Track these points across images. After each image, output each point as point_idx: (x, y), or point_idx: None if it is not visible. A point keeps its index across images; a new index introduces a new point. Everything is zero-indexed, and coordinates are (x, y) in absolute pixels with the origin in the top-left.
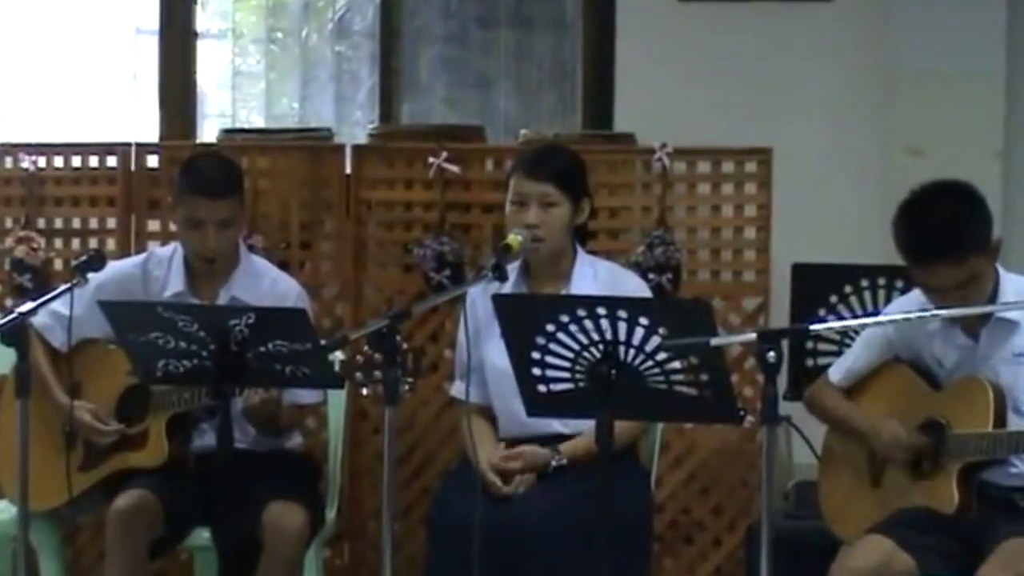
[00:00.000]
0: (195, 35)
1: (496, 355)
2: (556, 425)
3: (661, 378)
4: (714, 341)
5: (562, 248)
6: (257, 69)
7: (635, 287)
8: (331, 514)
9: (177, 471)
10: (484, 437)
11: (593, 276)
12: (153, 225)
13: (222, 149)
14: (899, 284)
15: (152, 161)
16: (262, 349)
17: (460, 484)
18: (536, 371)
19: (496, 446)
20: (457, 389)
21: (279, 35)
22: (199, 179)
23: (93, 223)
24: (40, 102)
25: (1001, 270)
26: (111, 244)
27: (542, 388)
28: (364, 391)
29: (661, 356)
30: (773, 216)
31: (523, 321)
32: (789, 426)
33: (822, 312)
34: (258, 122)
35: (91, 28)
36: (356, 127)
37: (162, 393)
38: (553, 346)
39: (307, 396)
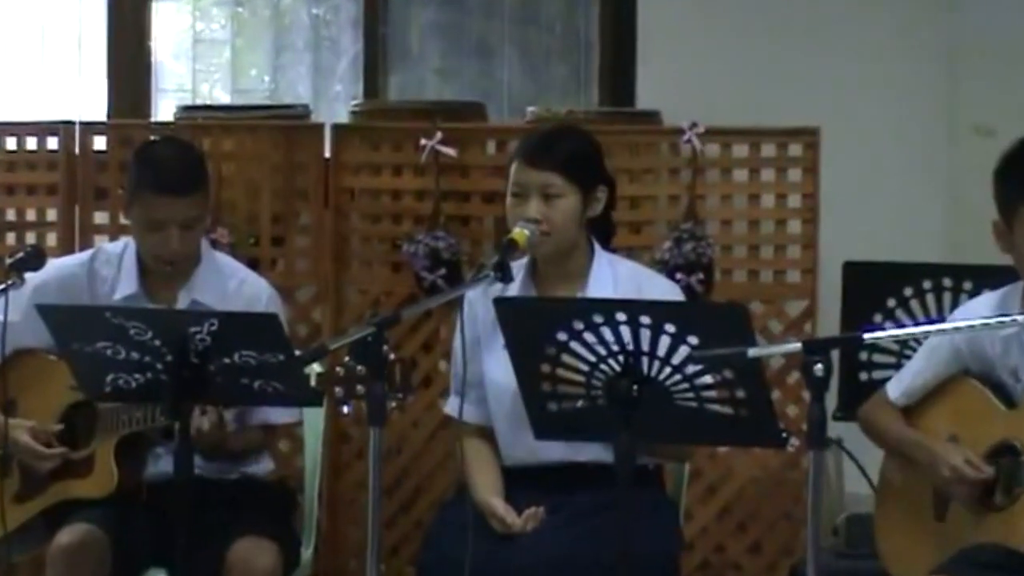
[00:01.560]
0: None
1: (498, 368)
2: (568, 450)
3: (691, 395)
4: (752, 352)
5: (572, 244)
6: (221, 36)
7: (663, 290)
8: (307, 553)
9: (128, 502)
10: (483, 463)
11: (613, 277)
12: (100, 217)
13: (180, 129)
14: (967, 286)
15: (99, 143)
16: (227, 360)
17: (456, 518)
18: (545, 387)
19: (498, 474)
20: (452, 406)
21: None
22: (158, 173)
23: (30, 215)
24: None
25: None
26: (52, 239)
27: (552, 406)
28: (345, 409)
29: (691, 369)
30: (821, 207)
31: (530, 329)
32: (839, 450)
33: (878, 318)
34: (222, 98)
35: None
36: (336, 103)
37: (111, 412)
38: (565, 358)
39: (279, 415)
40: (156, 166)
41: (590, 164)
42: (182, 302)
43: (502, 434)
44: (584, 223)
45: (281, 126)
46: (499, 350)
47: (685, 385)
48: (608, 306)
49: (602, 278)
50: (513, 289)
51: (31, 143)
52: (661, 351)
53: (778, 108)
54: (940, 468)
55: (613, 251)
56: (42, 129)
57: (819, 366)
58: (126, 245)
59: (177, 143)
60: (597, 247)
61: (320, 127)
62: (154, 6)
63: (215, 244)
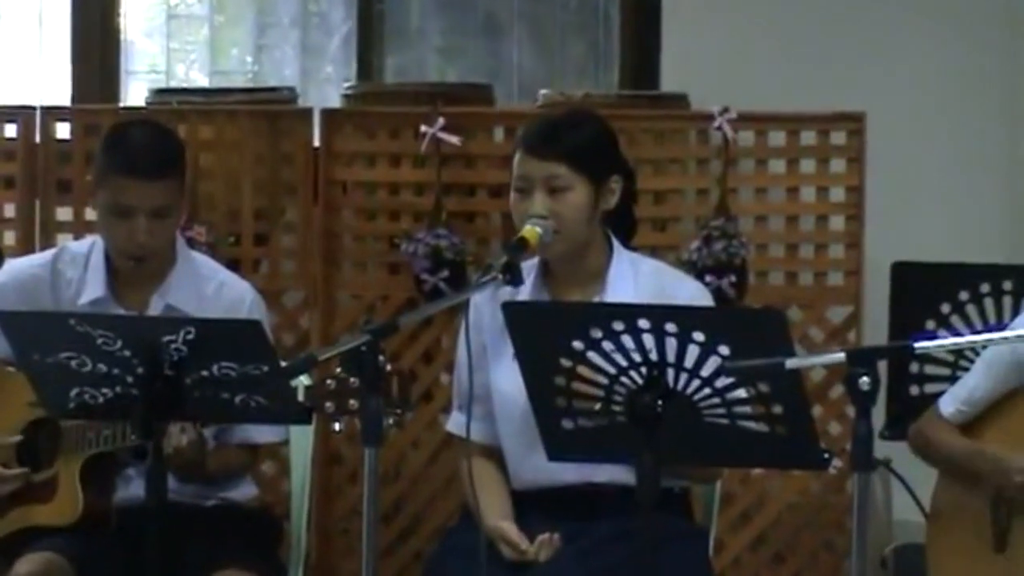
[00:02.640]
0: None
1: (507, 379)
2: (584, 472)
3: (721, 411)
4: (790, 363)
5: (586, 242)
6: (199, 12)
7: (690, 293)
8: None
9: (95, 530)
10: (490, 484)
11: (634, 278)
12: (64, 213)
13: (153, 115)
14: None
15: (62, 131)
16: (205, 373)
17: (462, 544)
18: (560, 402)
19: (507, 497)
20: (455, 423)
21: None
22: (127, 155)
23: None
24: None
25: None
26: (9, 237)
27: (567, 424)
28: (337, 427)
29: (721, 382)
30: (867, 201)
31: (543, 337)
32: (887, 473)
33: (931, 325)
34: (199, 80)
35: None
36: (326, 86)
37: (76, 430)
38: (582, 369)
39: (263, 434)
40: (124, 147)
41: (600, 151)
42: (155, 307)
43: (511, 453)
44: (599, 218)
45: (265, 112)
46: (508, 359)
47: (715, 400)
48: (629, 312)
49: (622, 279)
50: (524, 293)
51: None
52: (688, 362)
53: (819, 91)
54: (1012, 475)
55: (635, 250)
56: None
57: (865, 379)
58: (93, 244)
59: (152, 125)
60: (616, 245)
61: (308, 113)
62: None
63: (192, 243)
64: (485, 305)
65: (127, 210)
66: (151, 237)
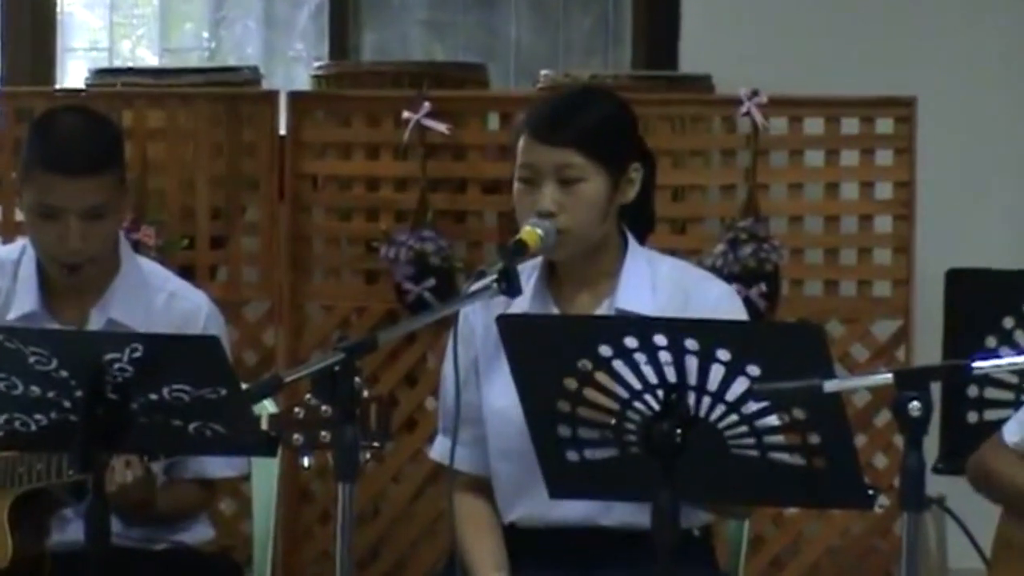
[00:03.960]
0: None
1: (502, 395)
2: (592, 511)
3: (750, 441)
4: (829, 385)
5: (599, 242)
6: None
7: (717, 298)
8: None
9: None
10: (480, 526)
11: (651, 280)
12: None
13: (93, 98)
14: None
15: None
16: (154, 397)
17: None
18: (563, 431)
19: (499, 541)
20: (439, 450)
21: None
22: (52, 148)
23: None
24: None
25: None
26: None
27: (572, 455)
28: (306, 460)
29: (750, 408)
30: (918, 199)
31: (544, 355)
32: (941, 512)
33: (991, 342)
34: (148, 59)
35: None
36: (295, 65)
37: (4, 463)
38: (589, 393)
39: (221, 467)
40: (52, 138)
41: (619, 135)
42: (96, 322)
43: (506, 480)
44: (615, 211)
45: (223, 95)
46: (504, 374)
47: (743, 428)
48: (644, 326)
49: (637, 281)
50: (523, 299)
51: None
52: (712, 384)
53: (862, 72)
54: None
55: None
56: None
57: (915, 404)
58: (23, 249)
59: (85, 113)
60: (632, 241)
61: (274, 96)
62: None
63: (138, 247)
64: (477, 315)
65: (55, 211)
66: (85, 241)
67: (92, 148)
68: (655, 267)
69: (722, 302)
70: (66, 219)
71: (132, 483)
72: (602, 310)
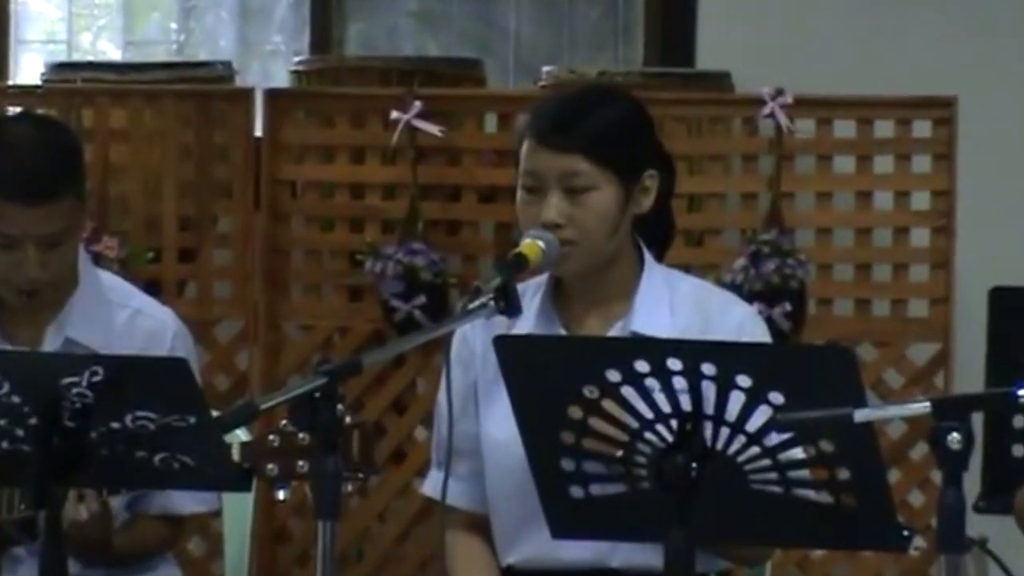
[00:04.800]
0: None
1: (502, 424)
2: (598, 551)
3: (773, 476)
4: (860, 415)
5: (610, 257)
6: None
7: (739, 321)
8: None
9: None
10: (475, 568)
11: (670, 300)
12: None
13: (50, 96)
14: None
15: None
16: (115, 425)
17: None
18: (567, 464)
19: None
20: (432, 485)
21: None
22: (6, 171)
23: None
24: None
25: None
26: None
27: (576, 491)
28: (281, 494)
29: (773, 440)
30: (958, 210)
31: (546, 381)
32: (984, 555)
33: None
34: (111, 53)
35: None
36: (272, 60)
37: None
38: (595, 422)
39: (189, 502)
40: (3, 159)
41: (632, 140)
42: (51, 342)
43: (505, 518)
44: (629, 223)
45: (193, 92)
46: (504, 401)
47: (765, 462)
48: (657, 349)
49: (654, 302)
50: (526, 319)
51: None
52: (731, 414)
53: (896, 70)
54: None
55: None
56: None
57: (955, 435)
58: None
59: (37, 123)
60: (648, 258)
61: (249, 94)
62: None
63: (99, 260)
64: (477, 335)
65: (10, 240)
66: (44, 269)
67: (49, 170)
68: (674, 286)
69: (745, 326)
70: (23, 247)
71: (86, 520)
72: (614, 333)
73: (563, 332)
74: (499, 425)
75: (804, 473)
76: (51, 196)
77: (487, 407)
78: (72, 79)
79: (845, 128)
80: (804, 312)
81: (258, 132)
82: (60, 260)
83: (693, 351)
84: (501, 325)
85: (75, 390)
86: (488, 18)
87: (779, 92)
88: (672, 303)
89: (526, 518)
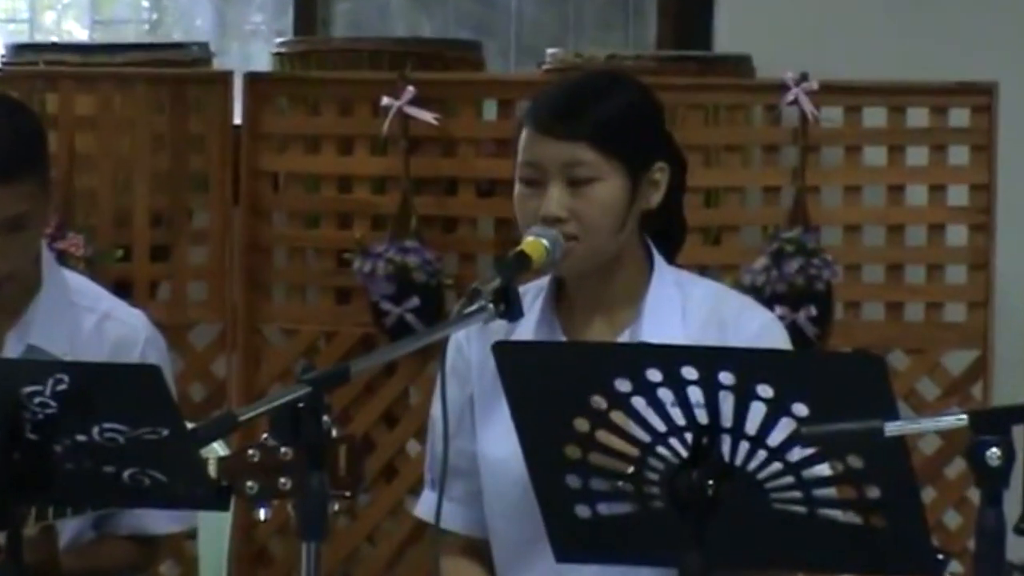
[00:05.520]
0: None
1: (501, 441)
2: None
3: (796, 494)
4: (891, 428)
5: (617, 255)
6: None
7: (759, 332)
8: None
9: None
10: None
11: (682, 306)
12: None
13: (11, 79)
14: None
15: None
16: (82, 438)
17: None
18: (572, 481)
19: None
20: (425, 507)
21: None
22: None
23: None
24: None
25: None
26: None
27: (582, 511)
28: (262, 513)
29: (797, 455)
30: (998, 206)
31: (549, 391)
32: None
33: None
34: (77, 33)
35: None
36: (252, 42)
37: None
38: (603, 436)
39: (162, 522)
40: None
41: (641, 129)
42: (12, 349)
43: (505, 544)
44: (636, 221)
45: (167, 76)
46: (503, 416)
47: (788, 479)
48: (670, 356)
49: (664, 308)
50: (526, 326)
51: None
52: (751, 427)
53: (930, 56)
54: None
55: (681, 266)
56: None
57: (995, 450)
58: None
59: None
60: (657, 259)
61: (227, 78)
62: None
63: (64, 259)
64: (472, 344)
65: None
66: (3, 258)
67: (8, 149)
68: (686, 291)
69: (764, 335)
70: None
71: (36, 536)
72: (622, 341)
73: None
74: (498, 442)
75: (830, 491)
76: (8, 177)
77: (484, 422)
78: (34, 61)
79: (875, 116)
80: (830, 316)
81: (237, 120)
82: (21, 249)
83: (710, 359)
84: (499, 332)
85: (38, 400)
86: None
87: (803, 77)
88: (684, 310)
89: (528, 541)
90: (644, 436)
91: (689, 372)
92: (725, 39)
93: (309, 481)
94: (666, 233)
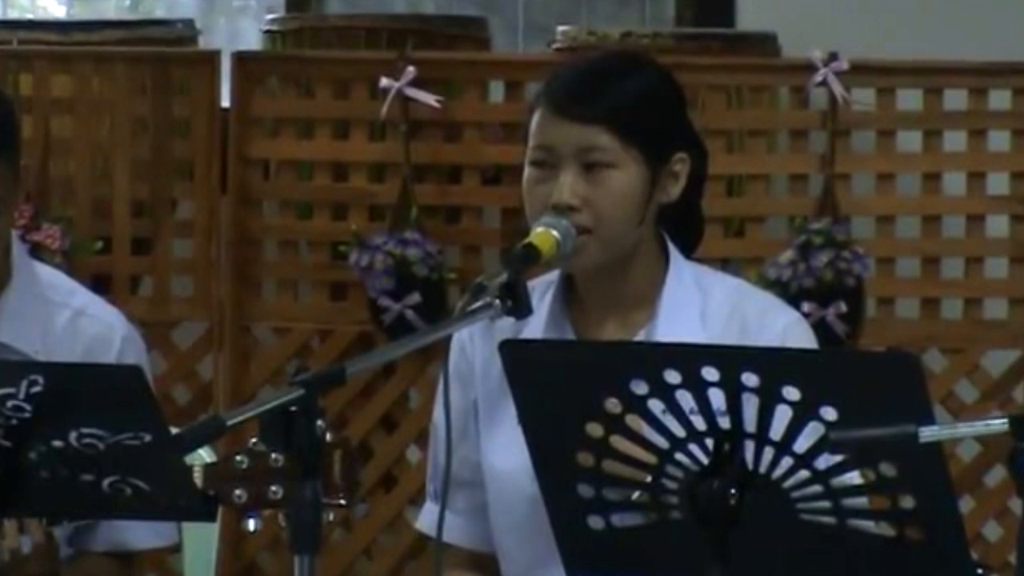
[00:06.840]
0: None
1: (506, 452)
2: None
3: (825, 504)
4: (926, 433)
5: (632, 249)
6: None
7: (783, 333)
8: None
9: None
10: None
11: (701, 305)
12: None
13: None
14: None
15: None
16: (58, 444)
17: None
18: (585, 490)
19: None
20: (426, 519)
21: None
22: None
23: None
24: None
25: None
26: None
27: (595, 522)
28: (251, 524)
29: (825, 462)
30: None
31: (561, 393)
32: None
33: None
34: (53, 9)
35: None
36: (241, 18)
37: None
38: (618, 442)
39: (143, 535)
40: None
41: (663, 115)
42: None
43: (512, 558)
44: (654, 214)
45: (149, 56)
46: (509, 424)
47: (816, 488)
48: (690, 356)
49: (682, 307)
50: (534, 325)
51: None
52: (777, 432)
53: (969, 34)
54: None
55: (700, 261)
56: None
57: None
58: None
59: None
60: (674, 254)
61: (214, 58)
62: None
63: (37, 252)
64: (476, 345)
65: None
66: None
67: None
68: (705, 289)
69: (789, 336)
70: None
71: (29, 554)
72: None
73: None
74: (504, 452)
75: (861, 501)
76: None
77: (489, 430)
78: (8, 40)
79: (910, 99)
80: (862, 313)
81: (224, 102)
82: None
83: (732, 359)
84: (505, 330)
85: (11, 403)
86: None
87: (833, 57)
88: (704, 310)
89: (537, 556)
90: (662, 442)
91: (710, 373)
92: (749, 15)
93: (301, 490)
94: (683, 227)
